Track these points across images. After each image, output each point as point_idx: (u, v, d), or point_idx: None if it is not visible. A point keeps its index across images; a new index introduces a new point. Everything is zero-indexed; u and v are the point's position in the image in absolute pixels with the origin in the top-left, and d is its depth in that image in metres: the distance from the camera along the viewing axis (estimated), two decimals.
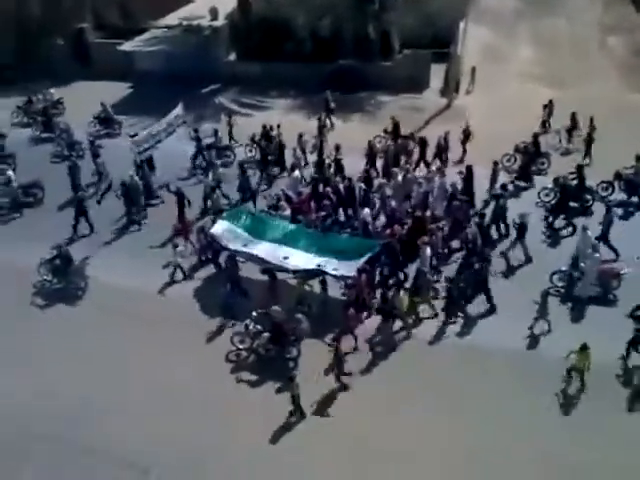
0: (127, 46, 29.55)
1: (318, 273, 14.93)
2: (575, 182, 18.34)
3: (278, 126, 21.63)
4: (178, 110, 23.69)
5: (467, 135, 20.96)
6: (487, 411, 12.69)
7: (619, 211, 18.12)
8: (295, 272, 15.13)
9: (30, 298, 16.46)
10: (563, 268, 15.50)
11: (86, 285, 16.75)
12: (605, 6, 36.12)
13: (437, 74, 27.14)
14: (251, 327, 14.23)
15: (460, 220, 16.52)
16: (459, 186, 17.90)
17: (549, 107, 23.02)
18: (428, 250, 15.20)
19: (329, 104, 24.40)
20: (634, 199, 18.72)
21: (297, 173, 19.27)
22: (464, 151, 21.06)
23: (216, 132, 22.36)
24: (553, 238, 17.53)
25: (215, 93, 28.61)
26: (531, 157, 19.97)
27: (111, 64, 29.82)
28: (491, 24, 33.70)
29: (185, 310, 15.58)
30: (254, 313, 14.34)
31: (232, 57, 30.25)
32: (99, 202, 20.22)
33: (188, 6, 31.94)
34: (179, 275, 16.80)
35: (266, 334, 14.18)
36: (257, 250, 15.42)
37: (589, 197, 18.22)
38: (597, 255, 15.22)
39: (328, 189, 18.22)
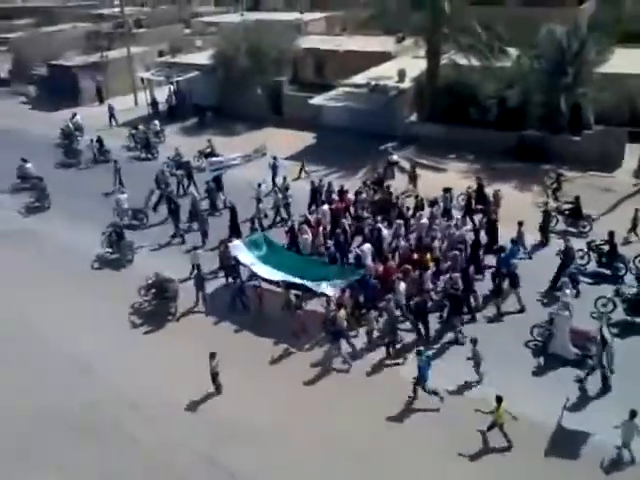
0: (317, 100, 31.86)
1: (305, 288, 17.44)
2: (606, 248, 18.64)
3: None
4: (258, 147, 29.51)
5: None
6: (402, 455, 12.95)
7: None
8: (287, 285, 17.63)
9: (91, 263, 21.35)
10: (543, 323, 15.82)
11: (132, 258, 21.02)
12: None
13: (633, 154, 25.60)
14: (149, 282, 18.12)
15: (453, 267, 17.56)
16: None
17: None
18: (402, 285, 16.61)
19: (392, 158, 26.38)
20: None
21: (325, 207, 21.71)
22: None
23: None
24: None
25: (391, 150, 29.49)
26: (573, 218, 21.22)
27: (301, 115, 32.37)
28: None
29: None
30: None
31: (414, 118, 31.15)
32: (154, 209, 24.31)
33: (378, 67, 33.78)
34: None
35: (153, 290, 18.00)
36: (259, 270, 18.43)
37: (621, 265, 18.29)
38: (566, 313, 15.22)
39: (345, 221, 20.80)
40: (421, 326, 16.44)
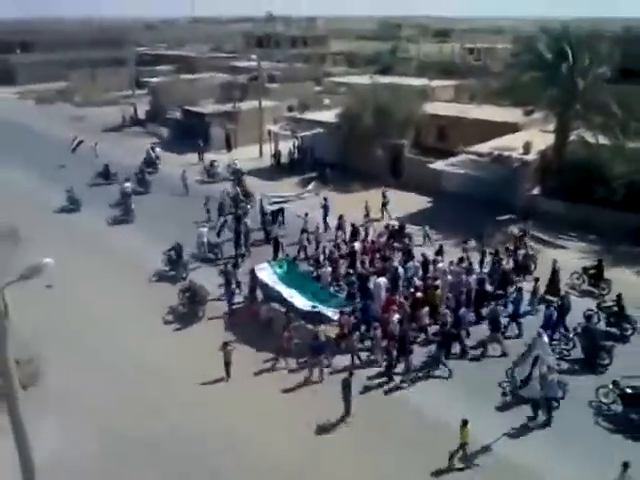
0: (438, 165, 33.77)
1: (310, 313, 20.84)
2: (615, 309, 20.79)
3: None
4: (311, 187, 35.47)
5: None
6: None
7: None
8: (294, 308, 20.92)
9: (149, 277, 25.62)
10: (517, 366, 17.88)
11: (187, 275, 24.77)
12: None
13: None
14: (185, 286, 22.64)
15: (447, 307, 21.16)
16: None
17: None
18: (396, 316, 19.83)
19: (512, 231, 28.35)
20: None
21: (356, 245, 25.84)
22: None
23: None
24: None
25: (508, 222, 30.43)
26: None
27: (420, 179, 34.42)
28: None
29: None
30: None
31: (535, 192, 32.10)
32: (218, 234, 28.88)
33: (503, 138, 35.22)
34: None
35: (187, 294, 22.22)
36: (277, 286, 21.79)
37: (628, 326, 20.43)
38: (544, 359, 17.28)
39: (367, 257, 24.73)
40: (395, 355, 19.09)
